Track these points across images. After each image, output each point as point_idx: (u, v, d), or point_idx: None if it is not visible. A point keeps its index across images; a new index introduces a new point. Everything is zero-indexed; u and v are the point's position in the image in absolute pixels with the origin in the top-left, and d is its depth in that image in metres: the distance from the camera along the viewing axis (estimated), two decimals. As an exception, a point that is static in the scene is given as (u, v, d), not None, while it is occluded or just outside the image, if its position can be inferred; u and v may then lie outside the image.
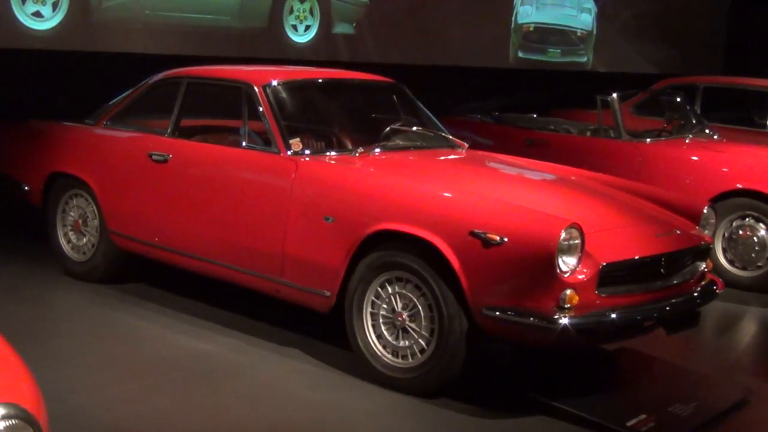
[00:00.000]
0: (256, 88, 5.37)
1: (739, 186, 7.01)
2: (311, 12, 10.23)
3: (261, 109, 5.30)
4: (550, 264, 4.15)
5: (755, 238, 6.95)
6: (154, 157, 5.69)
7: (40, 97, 7.92)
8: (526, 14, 12.77)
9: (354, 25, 10.66)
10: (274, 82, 5.45)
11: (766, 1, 15.13)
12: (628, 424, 4.31)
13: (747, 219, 6.98)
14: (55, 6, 8.17)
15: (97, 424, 4.11)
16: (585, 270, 4.27)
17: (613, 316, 4.34)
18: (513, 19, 12.60)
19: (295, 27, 10.12)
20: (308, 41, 10.30)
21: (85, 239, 6.18)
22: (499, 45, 12.61)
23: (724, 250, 7.09)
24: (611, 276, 4.39)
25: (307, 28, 10.26)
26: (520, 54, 12.75)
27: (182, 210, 5.56)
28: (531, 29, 12.84)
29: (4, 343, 2.72)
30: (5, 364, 2.63)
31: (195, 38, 9.26)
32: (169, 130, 5.77)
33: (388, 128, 5.55)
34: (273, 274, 5.06)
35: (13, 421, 2.34)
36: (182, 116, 5.83)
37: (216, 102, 6.11)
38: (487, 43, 12.36)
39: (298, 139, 5.22)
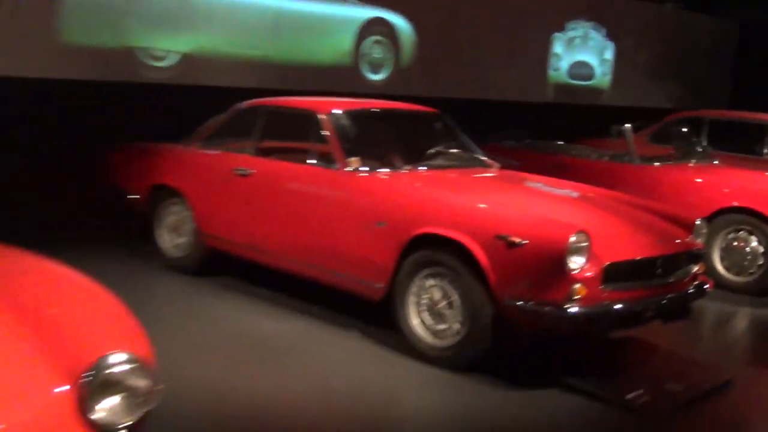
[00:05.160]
0: (320, 116, 5.69)
1: (735, 204, 7.19)
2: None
3: (326, 133, 5.61)
4: (561, 263, 4.42)
5: (748, 249, 7.12)
6: (238, 171, 6.06)
7: (138, 123, 8.24)
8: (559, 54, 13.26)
9: (408, 65, 11.06)
10: (337, 111, 5.77)
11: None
12: (627, 397, 4.56)
13: (741, 232, 7.15)
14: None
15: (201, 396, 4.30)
16: (592, 268, 4.53)
17: (616, 307, 4.58)
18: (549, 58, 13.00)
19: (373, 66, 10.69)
20: (382, 79, 10.81)
21: (181, 239, 6.57)
22: (534, 81, 12.88)
23: (722, 259, 7.25)
24: (614, 273, 4.63)
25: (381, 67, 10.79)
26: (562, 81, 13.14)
27: (266, 215, 5.85)
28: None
29: (121, 306, 2.85)
30: (126, 321, 2.79)
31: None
32: (251, 150, 6.12)
33: (432, 150, 5.86)
34: (329, 268, 5.41)
35: (133, 365, 2.56)
36: (262, 139, 6.17)
37: (287, 126, 6.32)
38: (523, 80, 12.63)
39: (357, 158, 5.49)
